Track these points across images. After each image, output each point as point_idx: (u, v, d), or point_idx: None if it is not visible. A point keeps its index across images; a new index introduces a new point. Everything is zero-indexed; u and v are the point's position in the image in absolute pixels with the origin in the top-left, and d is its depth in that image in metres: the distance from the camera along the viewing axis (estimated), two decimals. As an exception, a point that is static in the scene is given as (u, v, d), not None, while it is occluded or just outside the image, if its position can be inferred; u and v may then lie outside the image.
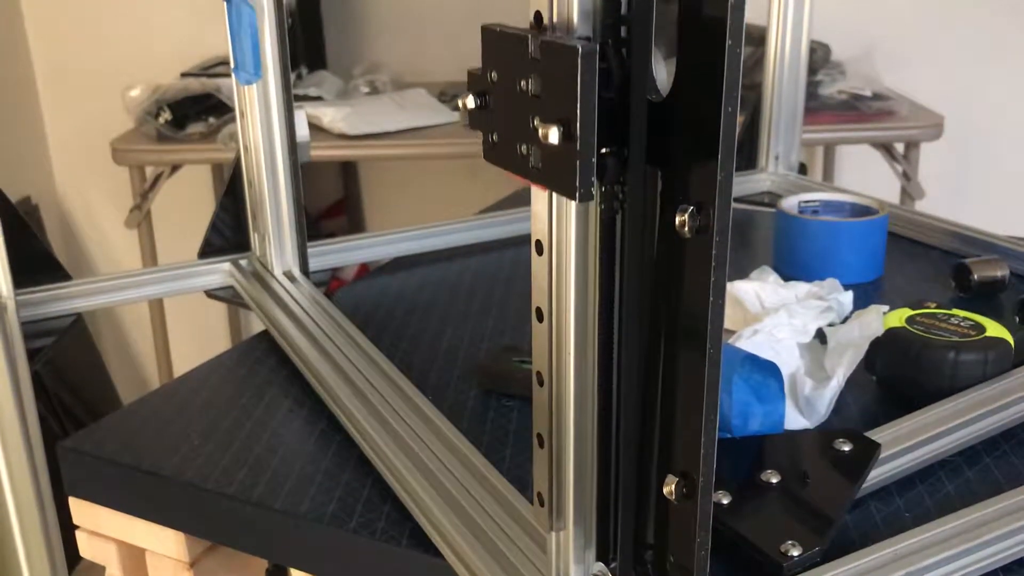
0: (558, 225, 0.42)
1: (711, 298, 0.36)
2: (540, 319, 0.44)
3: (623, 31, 0.39)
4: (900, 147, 1.92)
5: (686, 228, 0.36)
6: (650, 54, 0.39)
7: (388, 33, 2.39)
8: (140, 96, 1.90)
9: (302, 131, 0.88)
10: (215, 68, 2.08)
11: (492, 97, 0.43)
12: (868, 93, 1.85)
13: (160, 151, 1.83)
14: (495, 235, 1.07)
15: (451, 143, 1.83)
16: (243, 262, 0.94)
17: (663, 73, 0.40)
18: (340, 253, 1.00)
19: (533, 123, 0.39)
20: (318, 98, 1.97)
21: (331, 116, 1.82)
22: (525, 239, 1.03)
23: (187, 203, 2.08)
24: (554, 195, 0.41)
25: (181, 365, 2.20)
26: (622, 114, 0.39)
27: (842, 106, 1.85)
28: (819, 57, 1.89)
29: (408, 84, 2.19)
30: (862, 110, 1.84)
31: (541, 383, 0.44)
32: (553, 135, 0.38)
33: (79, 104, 2.31)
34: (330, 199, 2.62)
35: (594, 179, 0.38)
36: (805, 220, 0.95)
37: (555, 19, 0.39)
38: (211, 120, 1.84)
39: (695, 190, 0.36)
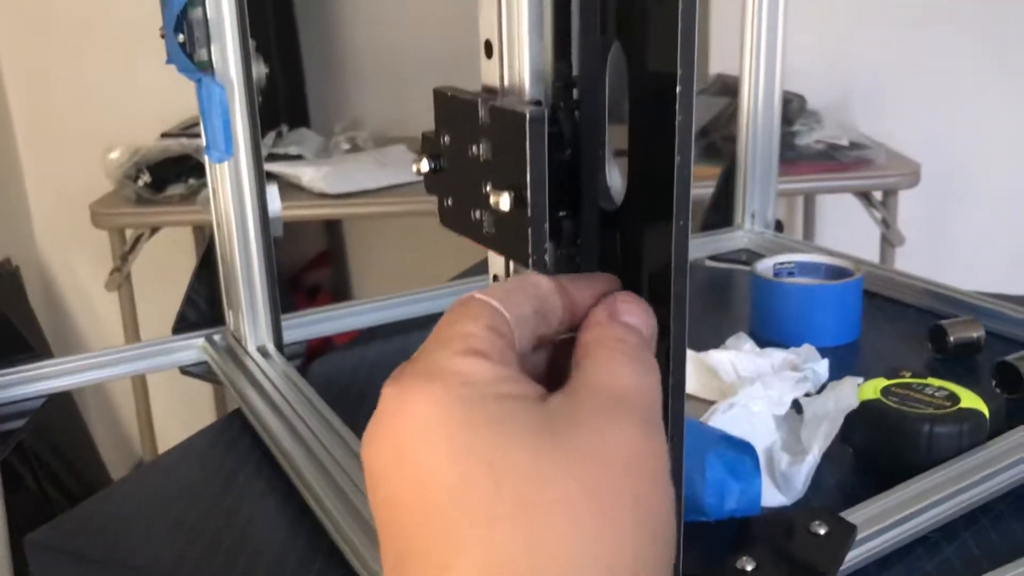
0: None
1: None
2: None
3: (575, 93, 0.39)
4: (879, 194, 1.93)
5: None
6: (603, 114, 0.39)
7: (369, 88, 2.41)
8: (120, 158, 1.90)
9: (274, 206, 0.88)
10: (195, 128, 2.08)
11: (445, 160, 0.43)
12: (845, 142, 1.87)
13: (139, 214, 1.83)
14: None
15: (431, 201, 1.83)
16: (217, 337, 0.93)
17: (616, 179, 0.40)
18: (315, 325, 0.99)
19: (485, 189, 0.39)
20: (298, 157, 1.98)
21: (310, 175, 1.82)
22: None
23: (168, 263, 2.08)
24: (510, 261, 0.41)
25: (165, 429, 2.19)
26: (577, 175, 0.38)
27: (820, 156, 1.86)
28: (795, 107, 1.90)
29: (390, 139, 2.20)
30: (840, 159, 1.86)
31: None
32: (504, 202, 0.37)
33: (60, 165, 2.31)
34: (314, 251, 2.62)
35: (547, 244, 0.37)
36: (780, 284, 0.95)
37: (506, 83, 0.39)
38: (191, 181, 1.85)
39: (655, 300, 0.36)
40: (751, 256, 1.20)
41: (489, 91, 0.40)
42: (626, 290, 0.36)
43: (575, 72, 0.38)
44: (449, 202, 0.42)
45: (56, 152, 2.32)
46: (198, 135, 2.00)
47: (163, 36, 0.81)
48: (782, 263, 1.00)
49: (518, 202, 0.36)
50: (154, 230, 1.88)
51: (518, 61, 0.38)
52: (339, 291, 2.68)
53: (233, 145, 0.83)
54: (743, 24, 1.18)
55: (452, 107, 0.40)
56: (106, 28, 2.24)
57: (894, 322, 1.00)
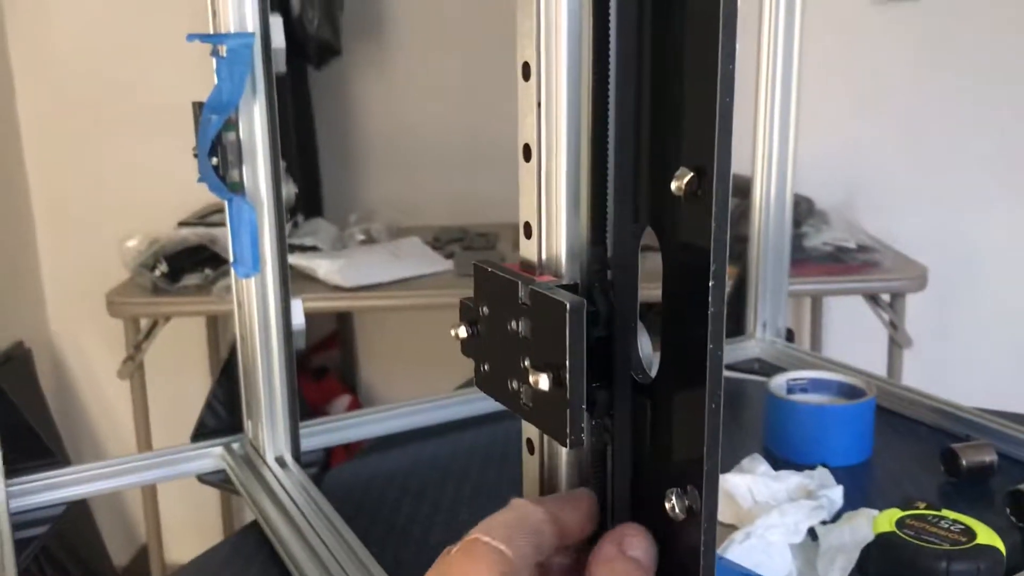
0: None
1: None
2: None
3: (608, 274, 0.41)
4: (886, 296, 1.95)
5: (676, 511, 0.37)
6: (636, 295, 0.41)
7: (384, 178, 2.46)
8: (137, 246, 1.93)
9: (298, 320, 0.90)
10: (212, 216, 2.12)
11: (483, 329, 0.44)
12: (852, 245, 1.89)
13: (155, 303, 1.85)
14: (486, 408, 1.07)
15: (444, 294, 1.86)
16: (235, 445, 0.94)
17: (647, 346, 0.41)
18: (333, 433, 1.00)
19: (523, 363, 0.40)
20: (313, 248, 2.01)
21: (326, 268, 1.85)
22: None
23: (180, 352, 2.10)
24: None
25: (176, 537, 2.18)
26: (611, 351, 0.40)
27: (827, 258, 1.89)
28: (803, 210, 1.94)
29: (404, 229, 2.24)
30: (847, 262, 1.88)
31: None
32: (543, 382, 0.38)
33: (76, 249, 2.35)
34: (322, 332, 2.63)
35: (583, 429, 0.39)
36: (793, 403, 0.96)
37: (544, 263, 0.41)
38: (207, 271, 1.87)
39: (686, 476, 0.37)
40: (763, 366, 1.21)
41: (528, 267, 0.41)
42: (630, 522, 0.40)
43: (609, 254, 0.40)
44: (486, 368, 0.43)
45: (73, 236, 2.36)
46: (216, 224, 2.04)
47: (195, 156, 0.83)
48: (795, 379, 1.02)
49: (556, 382, 0.38)
50: (168, 318, 1.90)
51: (555, 241, 0.40)
52: (347, 374, 2.69)
53: (260, 262, 0.85)
54: (755, 129, 1.20)
55: (492, 283, 0.42)
56: (127, 115, 2.29)
57: (906, 440, 1.00)
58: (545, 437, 0.43)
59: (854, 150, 2.26)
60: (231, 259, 0.86)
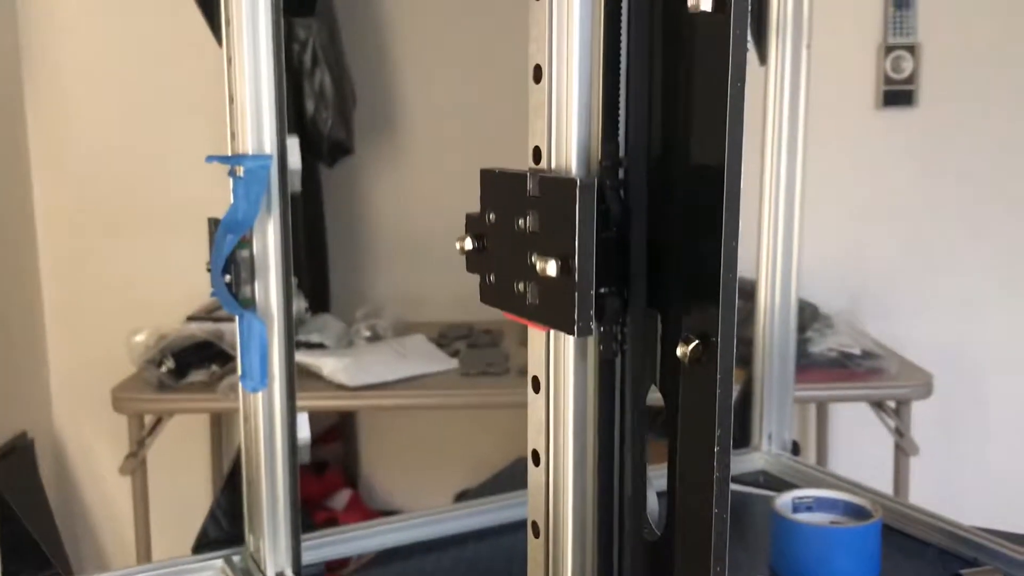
0: (555, 365, 0.41)
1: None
2: (536, 463, 0.43)
3: (621, 173, 0.41)
4: (892, 402, 1.94)
5: (687, 359, 0.36)
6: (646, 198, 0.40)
7: (391, 273, 2.48)
8: (145, 341, 1.94)
9: (303, 434, 0.90)
10: (220, 311, 2.13)
11: (489, 239, 0.44)
12: (857, 351, 1.90)
13: (160, 400, 1.86)
14: (488, 522, 1.07)
15: (448, 394, 1.86)
16: (236, 558, 0.93)
17: (654, 504, 0.42)
18: (334, 546, 0.99)
19: (531, 260, 0.40)
20: (320, 345, 2.01)
21: (331, 367, 1.85)
22: (520, 525, 1.03)
23: (184, 448, 2.09)
24: (552, 334, 0.41)
25: None
26: (621, 254, 0.39)
27: (832, 363, 1.89)
28: (807, 315, 1.94)
29: (410, 324, 2.25)
30: (852, 368, 1.88)
31: (536, 534, 0.43)
32: (551, 268, 0.38)
33: (84, 341, 2.36)
34: (324, 425, 2.62)
35: (592, 316, 0.38)
36: (799, 525, 0.95)
37: (553, 161, 0.41)
38: (213, 368, 1.88)
39: (699, 322, 0.36)
40: (768, 479, 1.21)
41: (536, 163, 0.41)
42: None
43: (621, 153, 0.40)
44: (491, 279, 0.43)
45: (82, 328, 2.37)
46: (223, 319, 2.06)
47: (208, 270, 0.85)
48: (800, 498, 1.01)
49: (565, 270, 0.37)
50: (172, 414, 1.90)
51: (566, 135, 0.40)
52: (348, 467, 2.67)
53: (268, 377, 0.85)
54: (759, 234, 1.21)
55: (500, 183, 0.41)
56: (140, 212, 2.33)
57: (913, 562, 0.99)
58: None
59: (857, 254, 2.28)
60: (239, 372, 0.87)
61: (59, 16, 2.28)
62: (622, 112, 0.40)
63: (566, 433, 0.40)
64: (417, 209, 2.46)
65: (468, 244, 0.44)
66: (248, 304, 0.84)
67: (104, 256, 2.36)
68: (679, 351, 0.36)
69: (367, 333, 2.15)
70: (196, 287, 2.23)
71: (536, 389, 0.42)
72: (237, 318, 0.85)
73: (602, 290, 0.39)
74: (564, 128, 0.40)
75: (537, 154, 0.41)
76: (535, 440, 0.42)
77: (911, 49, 2.28)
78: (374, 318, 2.21)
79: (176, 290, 2.26)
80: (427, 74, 2.43)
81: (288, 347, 0.86)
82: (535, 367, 0.42)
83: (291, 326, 0.86)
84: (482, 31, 2.34)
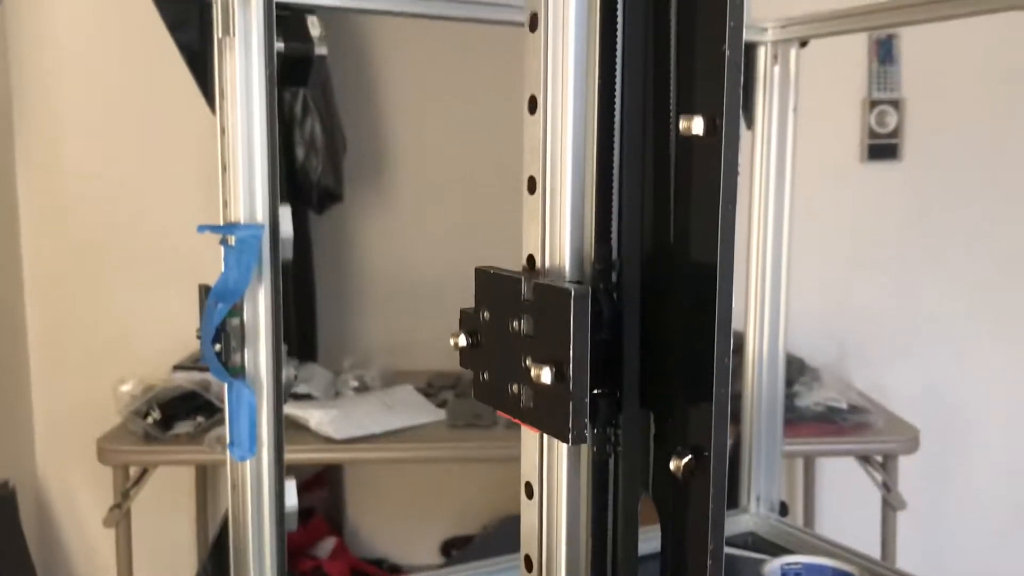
0: (548, 469, 0.41)
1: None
2: (529, 569, 0.43)
3: (613, 276, 0.41)
4: (879, 456, 1.95)
5: (680, 474, 0.36)
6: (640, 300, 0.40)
7: (379, 321, 2.48)
8: (131, 391, 1.93)
9: (291, 501, 0.89)
10: (207, 360, 2.12)
11: (484, 336, 0.44)
12: (844, 405, 1.90)
13: (146, 452, 1.84)
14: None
15: (434, 447, 1.86)
16: (222, 626, 0.93)
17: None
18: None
19: (525, 363, 0.40)
20: (307, 395, 2.01)
21: (318, 419, 1.84)
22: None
23: (168, 500, 2.07)
24: (545, 437, 0.41)
25: None
26: (614, 356, 0.39)
27: (819, 418, 1.89)
28: (794, 369, 1.95)
29: (398, 374, 2.24)
30: (839, 423, 1.88)
31: None
32: (545, 375, 0.38)
33: (70, 389, 2.34)
34: (309, 472, 2.60)
35: (586, 424, 0.38)
36: (788, 594, 0.95)
37: (547, 264, 0.41)
38: (199, 419, 1.86)
39: (692, 434, 0.37)
40: (756, 541, 1.21)
41: (530, 268, 0.41)
42: None
43: (614, 256, 0.40)
44: (485, 376, 0.42)
45: (67, 376, 2.36)
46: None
47: (199, 338, 0.85)
48: (789, 564, 1.01)
49: (559, 377, 0.37)
50: (157, 466, 1.88)
51: (559, 241, 0.40)
52: (333, 515, 2.65)
53: (257, 445, 0.85)
54: (747, 287, 1.21)
55: (494, 283, 0.42)
56: (128, 259, 2.33)
57: (902, 631, 0.99)
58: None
59: (844, 305, 2.29)
60: (228, 440, 0.86)
61: (49, 62, 2.29)
62: (615, 216, 0.41)
63: (559, 540, 0.41)
64: (406, 256, 2.46)
65: (462, 340, 0.44)
66: (238, 373, 0.84)
67: (90, 303, 2.35)
68: (672, 465, 0.36)
69: (355, 383, 2.14)
70: (183, 335, 2.22)
71: (529, 495, 0.42)
72: (226, 386, 0.85)
73: (595, 391, 0.39)
74: (557, 235, 0.40)
75: (531, 261, 0.42)
76: (527, 545, 0.42)
77: (895, 104, 2.31)
78: (361, 368, 2.21)
79: (163, 338, 2.25)
80: (417, 122, 2.45)
81: (277, 415, 0.86)
82: (528, 472, 0.42)
83: (280, 394, 0.86)
84: (472, 80, 2.36)
